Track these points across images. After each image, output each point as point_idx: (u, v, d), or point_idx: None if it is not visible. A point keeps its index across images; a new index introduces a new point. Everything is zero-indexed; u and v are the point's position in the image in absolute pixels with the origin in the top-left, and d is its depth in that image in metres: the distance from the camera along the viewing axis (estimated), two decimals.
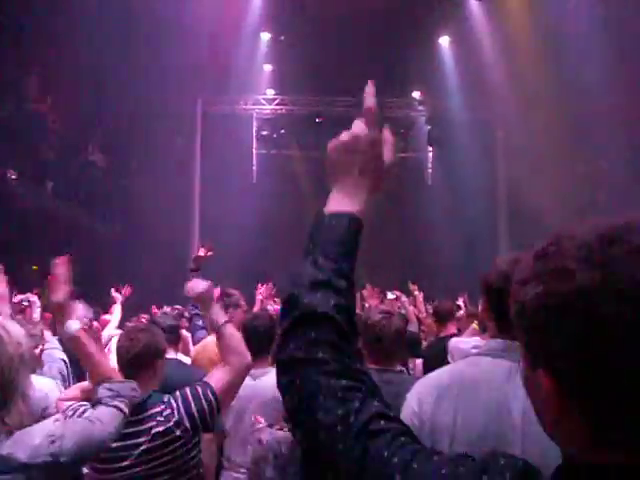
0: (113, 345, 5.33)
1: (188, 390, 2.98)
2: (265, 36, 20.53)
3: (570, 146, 17.51)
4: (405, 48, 18.99)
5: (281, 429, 2.93)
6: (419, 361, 6.21)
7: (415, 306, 8.72)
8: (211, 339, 4.89)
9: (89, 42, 15.54)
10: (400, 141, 23.64)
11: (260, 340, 4.42)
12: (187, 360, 5.23)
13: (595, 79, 15.04)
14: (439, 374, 2.29)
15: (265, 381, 4.23)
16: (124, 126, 18.50)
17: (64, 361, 4.82)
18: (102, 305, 8.86)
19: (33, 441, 2.06)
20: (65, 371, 4.79)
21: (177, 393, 2.96)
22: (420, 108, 22.44)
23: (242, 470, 4.23)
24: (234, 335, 3.19)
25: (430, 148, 23.56)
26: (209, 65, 17.97)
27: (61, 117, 18.07)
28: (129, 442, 2.83)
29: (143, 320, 9.12)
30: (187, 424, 2.88)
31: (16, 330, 2.18)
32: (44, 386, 3.64)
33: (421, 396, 2.19)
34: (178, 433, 2.85)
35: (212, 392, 2.97)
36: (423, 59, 20.03)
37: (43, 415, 3.39)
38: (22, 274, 19.33)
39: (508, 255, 2.27)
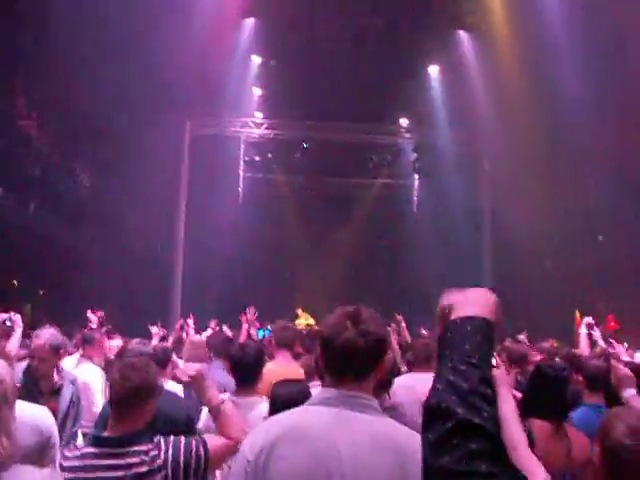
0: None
1: (182, 439, 2.92)
2: (256, 59, 20.62)
3: (555, 180, 17.62)
4: (394, 76, 19.15)
5: None
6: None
7: (399, 334, 8.71)
8: None
9: (78, 59, 15.54)
10: (386, 168, 23.79)
11: (247, 370, 4.46)
12: (177, 387, 5.11)
13: (585, 115, 15.17)
14: (270, 422, 2.31)
15: (253, 415, 4.18)
16: (111, 145, 18.45)
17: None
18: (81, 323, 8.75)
19: None
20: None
21: (170, 438, 2.90)
22: (407, 136, 22.55)
23: None
24: (234, 413, 3.17)
25: (416, 176, 23.66)
26: (199, 87, 18.03)
27: (47, 135, 18.02)
28: (107, 475, 2.77)
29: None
30: (169, 472, 2.81)
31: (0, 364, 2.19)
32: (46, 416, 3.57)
33: (254, 444, 2.18)
34: (158, 478, 2.79)
35: (205, 451, 2.91)
36: (412, 87, 20.21)
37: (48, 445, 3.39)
38: (4, 290, 19.21)
39: (345, 307, 2.29)
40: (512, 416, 2.69)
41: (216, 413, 3.13)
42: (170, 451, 2.84)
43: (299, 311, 20.34)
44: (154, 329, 9.67)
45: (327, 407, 2.16)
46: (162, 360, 4.54)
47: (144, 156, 18.01)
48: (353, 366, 2.18)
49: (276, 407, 3.25)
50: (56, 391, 4.81)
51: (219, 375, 5.69)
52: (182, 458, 2.85)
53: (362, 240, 24.52)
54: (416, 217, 23.52)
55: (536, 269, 19.10)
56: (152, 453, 2.81)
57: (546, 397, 3.27)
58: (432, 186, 22.50)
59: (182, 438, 2.93)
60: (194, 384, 3.22)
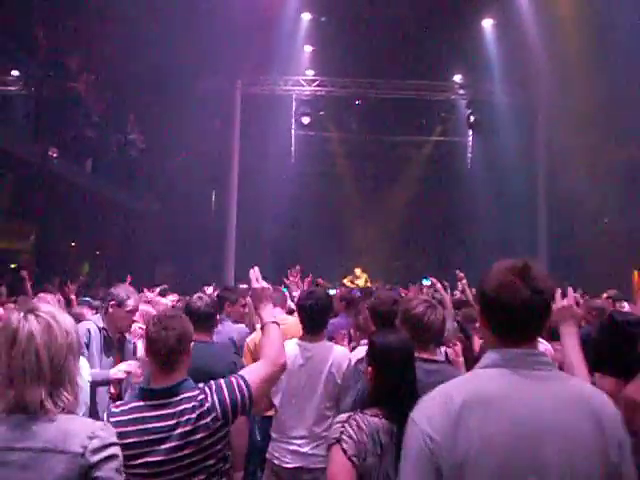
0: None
1: (223, 381, 2.99)
2: (306, 16, 20.43)
3: (612, 135, 17.22)
4: (447, 31, 18.76)
5: (376, 416, 2.87)
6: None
7: (463, 292, 8.64)
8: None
9: (129, 22, 15.62)
10: (440, 125, 23.49)
11: (315, 316, 4.51)
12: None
13: None
14: (447, 389, 2.06)
15: (322, 355, 4.36)
16: (163, 107, 18.58)
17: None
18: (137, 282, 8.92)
19: (76, 429, 2.16)
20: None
21: (211, 382, 2.97)
22: (461, 92, 22.19)
23: (296, 442, 4.30)
24: (278, 335, 3.25)
25: (470, 132, 23.35)
26: (249, 46, 17.94)
27: (101, 97, 18.20)
28: (159, 424, 2.85)
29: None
30: (219, 413, 2.88)
31: (65, 319, 2.27)
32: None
33: (432, 416, 1.98)
34: (209, 420, 2.86)
35: (246, 385, 2.98)
36: (465, 42, 19.77)
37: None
38: (64, 250, 19.65)
39: (506, 262, 2.09)
40: (579, 357, 2.63)
41: (264, 329, 3.30)
42: (215, 395, 2.93)
43: (358, 271, 20.34)
44: (209, 289, 9.83)
45: (507, 368, 2.00)
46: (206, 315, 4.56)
47: (196, 117, 18.12)
48: (528, 325, 2.04)
49: (378, 357, 3.07)
50: (122, 345, 5.11)
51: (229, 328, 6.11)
52: (227, 397, 2.93)
53: (416, 198, 24.37)
54: (470, 174, 23.25)
55: (592, 227, 18.78)
56: (200, 397, 2.90)
57: (617, 352, 3.16)
58: (486, 143, 22.17)
59: (221, 380, 3.01)
60: (257, 294, 3.42)
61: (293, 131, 23.21)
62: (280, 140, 22.13)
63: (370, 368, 3.02)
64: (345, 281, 19.38)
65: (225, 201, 21.28)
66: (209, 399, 2.90)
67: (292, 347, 4.43)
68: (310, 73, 21.92)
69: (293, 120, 22.89)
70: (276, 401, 4.42)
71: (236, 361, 4.33)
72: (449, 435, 1.91)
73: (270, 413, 4.68)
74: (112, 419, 2.87)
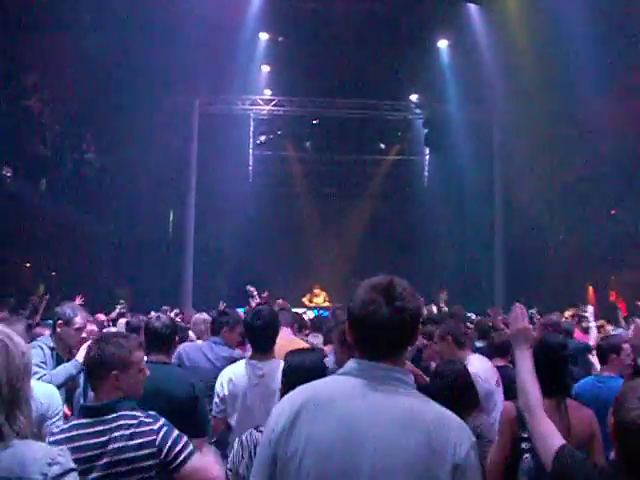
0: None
1: (175, 431, 2.93)
2: (264, 36, 20.48)
3: (567, 151, 17.52)
4: (403, 51, 18.99)
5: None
6: None
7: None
8: None
9: (86, 39, 15.52)
10: (397, 144, 23.69)
11: (263, 334, 4.51)
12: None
13: (595, 83, 15.05)
14: (300, 389, 2.17)
15: (274, 373, 4.27)
16: (120, 125, 18.44)
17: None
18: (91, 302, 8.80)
19: (34, 455, 2.07)
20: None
21: (165, 422, 2.95)
22: (417, 111, 22.42)
23: None
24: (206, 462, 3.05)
25: (427, 151, 23.57)
26: (207, 65, 17.93)
27: (56, 115, 18.01)
28: (91, 441, 2.83)
29: None
30: (157, 441, 2.85)
31: (20, 340, 2.21)
32: (46, 393, 3.69)
33: (280, 412, 2.11)
34: (143, 441, 2.84)
35: (188, 454, 2.91)
36: (421, 62, 20.02)
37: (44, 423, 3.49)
38: (18, 271, 19.32)
39: (374, 279, 2.18)
40: (530, 378, 2.65)
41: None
42: (164, 427, 2.89)
43: (317, 290, 20.35)
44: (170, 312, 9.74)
45: (356, 377, 2.06)
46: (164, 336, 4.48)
47: (154, 135, 18.02)
48: (388, 343, 2.07)
49: (288, 377, 3.21)
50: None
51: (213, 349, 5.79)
52: (172, 437, 2.89)
53: (374, 216, 24.52)
54: (428, 192, 23.44)
55: (549, 242, 19.04)
56: (142, 419, 2.88)
57: (547, 373, 3.23)
58: (443, 161, 22.39)
59: (175, 430, 2.94)
60: None
61: (251, 150, 23.20)
62: (238, 159, 22.10)
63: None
64: (304, 300, 19.41)
65: (183, 221, 21.16)
66: (155, 425, 2.87)
67: (242, 367, 4.44)
68: (268, 93, 21.97)
69: (251, 139, 22.90)
70: (232, 421, 4.39)
71: (194, 383, 4.25)
72: (286, 431, 2.03)
73: None
74: (51, 438, 2.84)
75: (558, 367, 3.56)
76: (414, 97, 22.39)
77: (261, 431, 2.94)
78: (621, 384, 4.32)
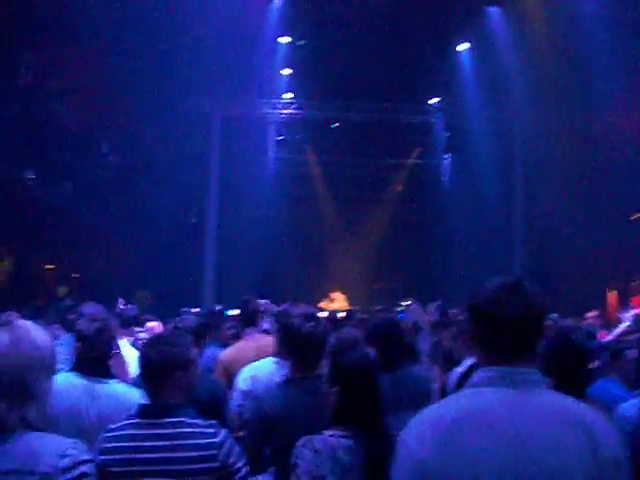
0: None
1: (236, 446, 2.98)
2: (284, 40, 20.53)
3: (588, 157, 17.41)
4: (424, 54, 18.97)
5: (333, 436, 2.88)
6: None
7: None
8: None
9: (108, 43, 15.63)
10: (417, 148, 23.65)
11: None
12: None
13: (618, 86, 14.97)
14: (437, 409, 2.07)
15: None
16: (141, 128, 18.57)
17: None
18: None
19: (45, 448, 2.09)
20: None
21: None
22: (438, 115, 22.37)
23: None
24: None
25: (448, 155, 23.50)
26: (228, 68, 18.00)
27: (77, 118, 18.15)
28: (149, 443, 2.83)
29: None
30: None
31: (38, 334, 2.21)
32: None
33: (422, 436, 1.95)
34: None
35: (246, 472, 2.96)
36: (442, 66, 20.00)
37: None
38: (41, 273, 19.50)
39: (498, 279, 2.10)
40: None
41: None
42: (225, 446, 2.89)
43: (335, 295, 20.34)
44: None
45: (498, 387, 1.98)
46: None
47: (174, 139, 18.11)
48: (521, 342, 2.02)
49: (341, 375, 3.06)
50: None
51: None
52: (230, 460, 2.89)
53: (394, 220, 24.49)
54: (448, 196, 23.37)
55: (568, 248, 18.92)
56: (206, 431, 2.87)
57: (567, 367, 3.13)
58: (463, 165, 22.30)
59: (236, 445, 2.97)
60: None
61: (271, 153, 23.25)
62: (258, 162, 22.14)
63: (335, 388, 3.01)
64: (321, 305, 19.41)
65: (204, 223, 21.26)
66: (217, 438, 2.90)
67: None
68: (288, 96, 22.01)
69: (271, 142, 22.96)
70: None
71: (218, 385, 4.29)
72: (439, 455, 1.88)
73: None
74: (106, 434, 2.90)
75: (575, 365, 3.45)
76: (434, 100, 22.34)
77: (333, 435, 2.87)
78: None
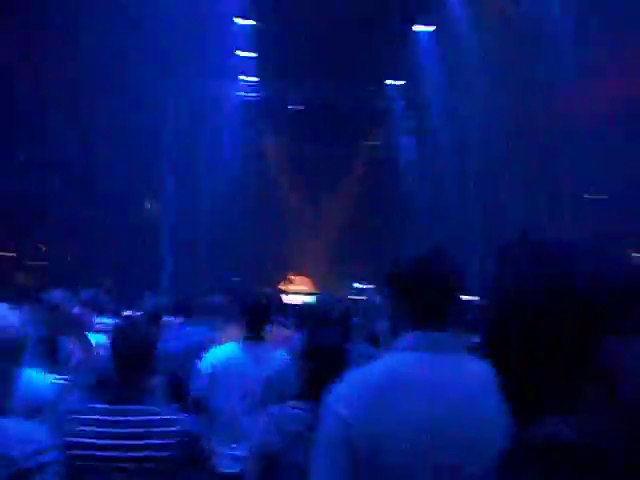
0: None
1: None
2: (242, 22, 20.34)
3: (545, 143, 17.57)
4: (383, 36, 18.94)
5: (292, 407, 2.96)
6: None
7: None
8: None
9: (59, 27, 15.43)
10: (377, 130, 23.68)
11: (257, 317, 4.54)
12: None
13: (580, 67, 15.08)
14: (363, 372, 2.10)
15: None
16: (94, 113, 18.28)
17: None
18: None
19: (12, 432, 2.08)
20: None
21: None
22: (397, 97, 22.38)
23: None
24: None
25: (407, 137, 23.54)
26: (185, 50, 17.84)
27: (27, 101, 17.84)
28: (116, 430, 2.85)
29: None
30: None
31: (7, 318, 2.21)
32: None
33: (347, 398, 1.98)
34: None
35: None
36: (401, 47, 19.99)
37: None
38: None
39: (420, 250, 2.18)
40: None
41: None
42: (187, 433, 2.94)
43: (292, 277, 20.38)
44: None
45: (423, 352, 2.01)
46: None
47: (130, 122, 17.88)
48: (440, 307, 2.05)
49: (309, 353, 3.16)
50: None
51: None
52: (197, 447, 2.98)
53: (353, 204, 24.51)
54: (408, 178, 23.45)
55: (525, 227, 19.07)
56: (170, 418, 2.91)
57: None
58: (422, 147, 22.40)
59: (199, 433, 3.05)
60: None
61: (230, 136, 23.09)
62: (217, 146, 21.98)
63: (302, 364, 3.12)
64: (281, 287, 19.46)
65: (160, 210, 21.07)
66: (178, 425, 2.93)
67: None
68: (246, 79, 21.85)
69: (229, 126, 22.80)
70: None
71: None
72: (364, 415, 1.91)
73: None
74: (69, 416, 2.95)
75: None
76: (393, 83, 22.33)
77: (297, 407, 2.96)
78: None
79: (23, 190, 17.98)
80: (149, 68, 17.72)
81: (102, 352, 5.34)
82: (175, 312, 5.87)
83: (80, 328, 5.12)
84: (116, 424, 2.83)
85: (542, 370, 0.99)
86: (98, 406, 2.92)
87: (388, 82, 22.28)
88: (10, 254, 19.75)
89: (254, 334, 4.52)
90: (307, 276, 21.53)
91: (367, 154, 24.78)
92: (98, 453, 2.78)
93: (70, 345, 5.14)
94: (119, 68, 16.58)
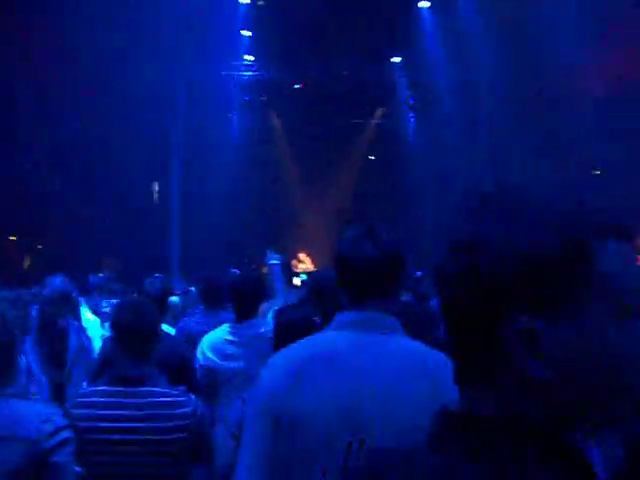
0: None
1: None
2: (244, 1, 20.22)
3: (553, 114, 17.46)
4: (385, 13, 18.79)
5: None
6: None
7: None
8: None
9: (65, 11, 15.35)
10: (381, 107, 23.55)
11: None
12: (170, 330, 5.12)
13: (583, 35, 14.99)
14: (293, 348, 2.15)
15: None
16: (102, 95, 18.21)
17: None
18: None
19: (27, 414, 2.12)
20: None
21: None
22: (401, 73, 22.24)
23: None
24: None
25: (411, 114, 23.43)
26: (187, 32, 17.75)
27: (33, 85, 17.80)
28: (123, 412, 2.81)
29: None
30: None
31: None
32: None
33: (275, 373, 2.06)
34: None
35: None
36: (404, 23, 19.83)
37: None
38: (3, 245, 19.24)
39: (356, 226, 2.19)
40: None
41: None
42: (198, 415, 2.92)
43: (302, 255, 20.36)
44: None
45: (349, 331, 2.03)
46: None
47: (134, 105, 17.82)
48: (372, 284, 2.06)
49: (279, 334, 3.16)
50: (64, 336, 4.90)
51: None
52: (204, 429, 2.96)
53: (359, 181, 24.47)
54: (413, 156, 23.36)
55: None
56: (179, 400, 2.88)
57: None
58: (428, 123, 22.27)
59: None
60: None
61: (234, 116, 23.02)
62: (222, 126, 21.92)
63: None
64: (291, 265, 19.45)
65: (168, 190, 21.04)
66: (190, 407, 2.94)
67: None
68: (249, 58, 21.74)
69: (233, 106, 22.72)
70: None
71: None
72: (287, 392, 1.96)
73: None
74: (77, 399, 2.94)
75: None
76: (398, 59, 22.19)
77: None
78: None
79: (26, 171, 17.98)
80: (152, 51, 17.65)
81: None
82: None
83: (78, 312, 5.12)
84: (121, 406, 2.80)
85: (461, 341, 0.99)
86: (102, 388, 2.89)
87: (393, 59, 22.12)
88: (13, 238, 19.80)
89: (242, 317, 4.44)
90: (312, 255, 21.53)
91: (372, 132, 24.67)
92: (104, 436, 2.76)
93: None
94: (124, 51, 16.52)
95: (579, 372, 0.91)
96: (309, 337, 2.18)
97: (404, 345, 2.04)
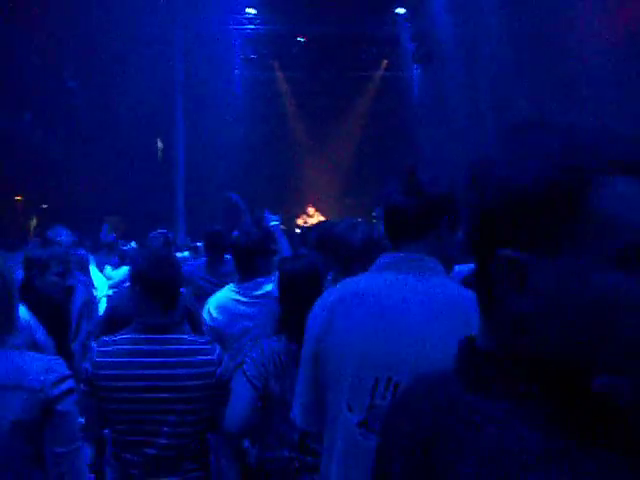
0: None
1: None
2: None
3: (555, 62, 17.27)
4: None
5: (276, 341, 2.97)
6: None
7: None
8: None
9: None
10: (385, 59, 23.31)
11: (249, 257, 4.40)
12: None
13: None
14: (332, 289, 2.24)
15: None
16: (102, 53, 18.05)
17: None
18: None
19: (30, 364, 2.14)
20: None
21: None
22: (405, 25, 21.98)
23: None
24: None
25: (416, 66, 23.21)
26: None
27: (37, 43, 17.64)
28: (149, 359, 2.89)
29: None
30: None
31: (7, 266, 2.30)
32: None
33: (315, 312, 2.16)
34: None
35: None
36: None
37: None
38: (10, 205, 19.27)
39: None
40: None
41: None
42: (223, 363, 2.98)
43: (311, 210, 20.32)
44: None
45: (388, 272, 2.06)
46: None
47: (136, 62, 17.70)
48: (408, 227, 2.10)
49: (283, 283, 3.13)
50: (70, 291, 4.91)
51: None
52: (228, 377, 3.00)
53: (364, 134, 24.33)
54: (417, 108, 23.20)
55: None
56: (204, 348, 2.95)
57: None
58: (432, 76, 22.07)
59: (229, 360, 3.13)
60: None
61: (237, 71, 22.85)
62: (224, 81, 21.76)
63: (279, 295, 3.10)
64: (299, 221, 19.41)
65: (172, 147, 20.96)
66: (215, 355, 3.02)
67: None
68: (251, 11, 21.50)
69: (236, 60, 22.54)
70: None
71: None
72: (322, 331, 2.07)
73: None
74: (101, 348, 2.98)
75: None
76: (401, 11, 21.91)
77: (276, 341, 2.98)
78: None
79: (28, 130, 17.93)
80: (153, 5, 17.50)
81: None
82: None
83: (87, 268, 5.11)
84: (149, 353, 2.85)
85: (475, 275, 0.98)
86: (129, 336, 2.92)
87: (398, 10, 21.83)
88: (19, 198, 19.83)
89: (245, 275, 4.37)
90: (316, 208, 21.45)
91: (376, 85, 24.44)
92: (131, 383, 2.81)
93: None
94: (123, 6, 16.36)
95: (562, 310, 0.87)
96: (350, 278, 2.23)
97: (441, 285, 2.03)
